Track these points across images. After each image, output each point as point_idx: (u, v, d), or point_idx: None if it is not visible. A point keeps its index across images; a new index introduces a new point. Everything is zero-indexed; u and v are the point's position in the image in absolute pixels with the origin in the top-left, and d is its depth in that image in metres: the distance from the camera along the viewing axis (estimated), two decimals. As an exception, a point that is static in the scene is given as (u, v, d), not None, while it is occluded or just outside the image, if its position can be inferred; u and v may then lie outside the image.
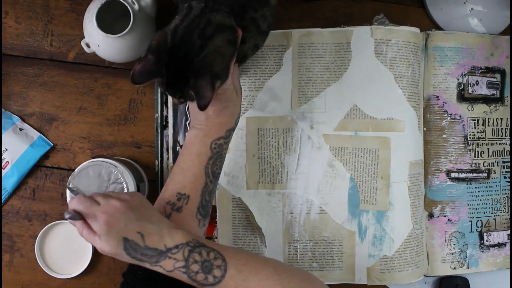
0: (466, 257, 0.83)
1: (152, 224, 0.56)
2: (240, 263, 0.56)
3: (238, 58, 0.63)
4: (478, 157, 0.84)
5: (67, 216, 0.55)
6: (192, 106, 0.63)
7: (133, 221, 0.55)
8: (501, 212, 0.85)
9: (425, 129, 0.83)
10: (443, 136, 0.83)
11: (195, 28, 0.55)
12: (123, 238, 0.54)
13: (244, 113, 0.80)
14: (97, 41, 0.73)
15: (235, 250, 0.59)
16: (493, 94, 0.84)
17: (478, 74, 0.83)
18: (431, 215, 0.83)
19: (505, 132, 0.85)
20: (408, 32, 0.79)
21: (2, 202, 0.82)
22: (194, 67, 0.55)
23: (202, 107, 0.55)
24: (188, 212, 0.62)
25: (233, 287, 0.55)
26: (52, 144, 0.83)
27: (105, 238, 0.54)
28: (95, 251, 0.82)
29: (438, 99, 0.83)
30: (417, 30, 0.80)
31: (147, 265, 0.55)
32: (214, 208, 0.82)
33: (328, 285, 0.79)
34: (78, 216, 0.55)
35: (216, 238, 0.82)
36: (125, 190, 0.74)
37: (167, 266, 0.55)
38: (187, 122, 0.82)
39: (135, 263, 0.56)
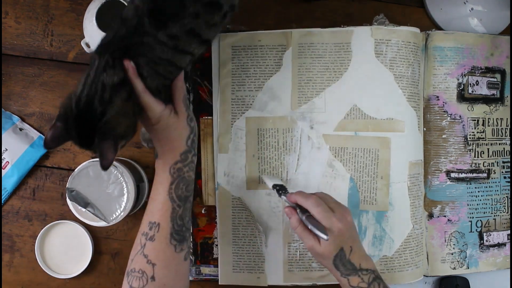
0: (466, 257, 0.84)
1: (359, 243, 0.66)
2: None
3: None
4: (478, 157, 0.84)
5: (303, 218, 0.65)
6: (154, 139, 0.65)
7: (351, 237, 0.64)
8: (501, 212, 0.85)
9: (425, 129, 0.83)
10: (443, 136, 0.83)
11: (94, 95, 0.56)
12: (340, 248, 0.63)
13: (244, 113, 0.80)
14: (97, 41, 0.72)
15: None
16: (493, 94, 0.84)
17: (478, 74, 0.83)
18: (431, 215, 0.83)
19: (505, 132, 0.85)
20: (408, 32, 0.79)
21: (2, 202, 0.82)
22: (99, 131, 0.57)
23: (104, 168, 0.57)
24: (161, 239, 0.63)
25: None
26: (52, 144, 0.83)
27: (329, 242, 0.63)
28: (95, 251, 0.83)
29: (438, 99, 0.83)
30: (417, 30, 0.80)
31: (338, 275, 0.64)
32: (214, 208, 0.82)
33: (328, 285, 0.80)
34: (300, 212, 0.66)
35: (216, 238, 0.82)
36: (125, 190, 0.74)
37: (353, 282, 0.64)
38: (187, 122, 0.82)
39: (330, 268, 0.65)
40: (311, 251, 0.66)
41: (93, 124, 0.56)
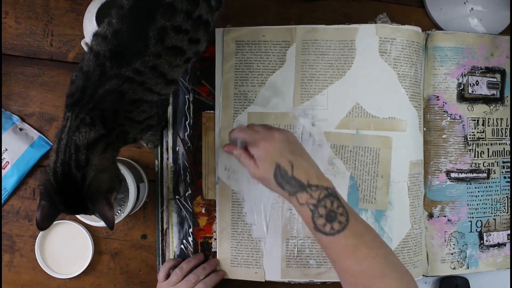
0: (466, 257, 0.84)
1: (302, 159, 0.63)
2: (359, 231, 0.59)
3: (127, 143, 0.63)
4: (478, 157, 0.84)
5: (230, 140, 0.66)
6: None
7: (287, 152, 0.62)
8: (501, 212, 0.85)
9: (425, 129, 0.83)
10: (443, 136, 0.83)
11: (69, 161, 0.56)
12: (276, 164, 0.61)
13: (246, 108, 0.80)
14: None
15: (360, 218, 0.61)
16: (493, 94, 0.84)
17: (478, 74, 0.83)
18: (431, 215, 0.83)
19: (505, 132, 0.85)
20: (412, 32, 0.79)
21: (2, 202, 0.82)
22: (87, 196, 0.57)
23: (111, 227, 0.58)
24: None
25: (342, 246, 0.59)
26: (52, 144, 0.83)
27: (261, 161, 0.62)
28: (95, 251, 0.83)
29: (438, 99, 0.83)
30: (419, 29, 0.80)
31: (287, 195, 0.61)
32: (214, 207, 0.82)
33: (325, 283, 0.80)
34: (239, 142, 0.66)
35: (215, 232, 0.82)
36: (125, 190, 0.74)
37: (301, 199, 0.60)
38: (187, 122, 0.82)
39: (277, 190, 0.62)
40: (254, 177, 0.64)
41: (77, 192, 0.56)
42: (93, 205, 0.58)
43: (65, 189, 0.57)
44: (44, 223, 0.60)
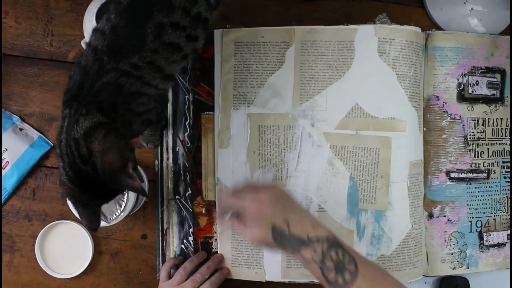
0: (466, 257, 0.84)
1: (295, 213, 0.61)
2: (370, 276, 0.58)
3: (135, 135, 0.64)
4: (478, 157, 0.84)
5: (223, 216, 0.65)
6: None
7: (279, 210, 0.61)
8: (500, 212, 0.85)
9: (425, 129, 0.83)
10: (443, 136, 0.83)
11: (75, 160, 0.56)
12: (271, 226, 0.60)
13: (245, 109, 0.80)
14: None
15: (367, 261, 0.60)
16: (493, 94, 0.84)
17: (478, 74, 0.83)
18: (430, 215, 0.83)
19: (505, 132, 0.85)
20: (411, 32, 0.79)
21: (2, 202, 0.82)
22: (107, 182, 0.57)
23: (144, 195, 0.60)
24: None
25: None
26: (52, 144, 0.83)
27: (255, 225, 0.61)
28: (95, 251, 0.83)
29: (438, 99, 0.83)
30: (418, 29, 0.80)
31: (290, 252, 0.60)
32: (214, 207, 0.82)
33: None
34: (229, 214, 0.65)
35: (215, 232, 0.82)
36: (125, 190, 0.74)
37: (306, 255, 0.59)
38: (187, 123, 0.82)
39: (280, 249, 0.62)
40: (253, 243, 0.63)
41: (97, 182, 0.57)
42: (118, 185, 0.58)
43: (86, 186, 0.57)
44: (94, 224, 0.61)
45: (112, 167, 0.57)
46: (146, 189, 0.82)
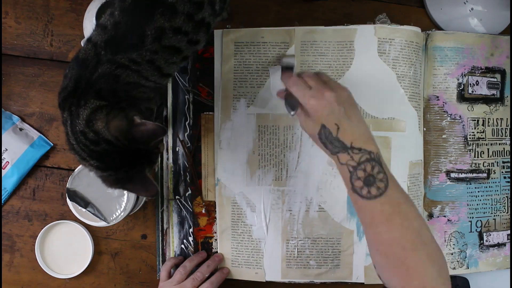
0: (466, 257, 0.84)
1: (351, 122, 0.61)
2: (396, 199, 0.59)
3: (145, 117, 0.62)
4: (478, 157, 0.84)
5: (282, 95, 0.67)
6: None
7: (335, 113, 0.60)
8: (500, 212, 0.85)
9: (425, 129, 0.83)
10: (443, 136, 0.83)
11: (90, 148, 0.55)
12: (321, 125, 0.60)
13: (246, 109, 0.80)
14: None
15: (400, 188, 0.60)
16: (493, 94, 0.84)
17: (478, 74, 0.83)
18: (430, 215, 0.83)
19: (505, 132, 0.85)
20: (411, 32, 0.79)
21: (2, 202, 0.82)
22: (128, 145, 0.56)
23: (162, 132, 0.57)
24: None
25: (377, 212, 0.58)
26: (52, 144, 0.83)
27: (307, 119, 0.62)
28: (95, 251, 0.83)
29: (438, 99, 0.83)
30: (418, 29, 0.80)
31: (328, 152, 0.61)
32: (213, 207, 0.82)
33: (325, 283, 0.80)
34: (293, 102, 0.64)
35: (215, 232, 0.82)
36: (125, 190, 0.74)
37: (342, 159, 0.60)
38: (187, 123, 0.82)
39: (321, 146, 0.62)
40: (303, 128, 0.64)
41: (120, 153, 0.56)
42: (139, 140, 0.56)
43: (116, 163, 0.57)
44: (152, 190, 0.61)
45: (121, 130, 0.56)
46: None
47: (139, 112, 0.59)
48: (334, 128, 0.60)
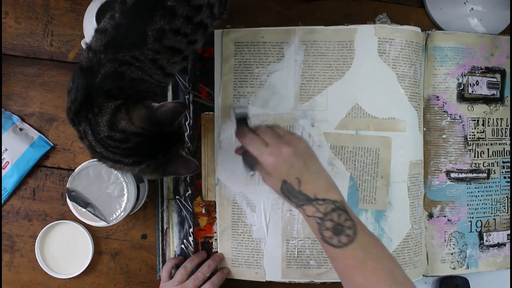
0: (466, 257, 0.84)
1: (311, 173, 0.61)
2: (367, 243, 0.59)
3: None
4: (478, 157, 0.84)
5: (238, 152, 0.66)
6: None
7: (295, 168, 0.60)
8: (501, 212, 0.85)
9: (425, 129, 0.83)
10: (443, 136, 0.83)
11: (121, 148, 0.56)
12: (283, 180, 0.60)
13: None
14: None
15: (368, 231, 0.61)
16: (493, 94, 0.84)
17: (478, 74, 0.83)
18: (430, 215, 0.83)
19: (505, 132, 0.85)
20: (411, 32, 0.79)
21: (2, 202, 0.82)
22: (154, 131, 0.57)
23: (183, 108, 0.59)
24: None
25: (349, 259, 0.58)
26: (52, 144, 0.83)
27: (268, 176, 0.62)
28: (95, 251, 0.83)
29: (438, 99, 0.83)
30: (418, 29, 0.80)
31: (294, 205, 0.61)
32: (214, 207, 0.82)
33: (325, 283, 0.80)
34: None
35: (215, 232, 0.82)
36: (125, 190, 0.74)
37: (308, 211, 0.60)
38: (187, 123, 0.82)
39: (286, 200, 0.62)
40: (265, 183, 0.64)
41: (150, 138, 0.57)
42: (163, 123, 0.57)
43: (151, 151, 0.57)
44: (192, 167, 0.62)
45: (144, 118, 0.56)
46: (146, 189, 0.82)
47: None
48: (295, 182, 0.60)
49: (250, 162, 0.63)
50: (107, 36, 0.56)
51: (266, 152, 0.61)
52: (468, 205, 0.84)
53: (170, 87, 0.82)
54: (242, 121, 0.66)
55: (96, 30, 0.58)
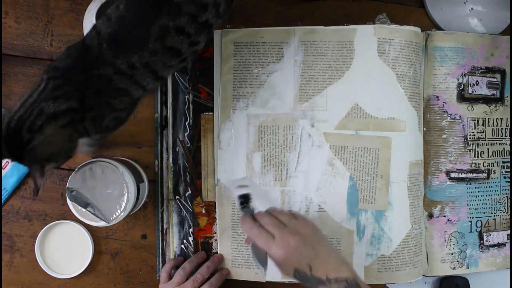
0: (466, 257, 0.84)
1: (321, 256, 0.62)
2: None
3: (100, 131, 0.63)
4: (478, 157, 0.84)
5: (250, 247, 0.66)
6: None
7: (305, 255, 0.62)
8: (500, 212, 0.85)
9: (425, 129, 0.83)
10: (443, 136, 0.83)
11: (25, 121, 0.56)
12: (294, 269, 0.62)
13: (245, 110, 0.80)
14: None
15: None
16: (493, 94, 0.84)
17: (478, 74, 0.83)
18: (430, 215, 0.83)
19: (505, 132, 0.85)
20: (410, 32, 0.79)
21: (2, 202, 0.82)
22: (26, 156, 0.57)
23: (35, 194, 0.61)
24: None
25: None
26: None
27: (279, 266, 0.63)
28: (95, 251, 0.83)
29: (438, 99, 0.83)
30: (418, 29, 0.80)
31: (308, 285, 0.62)
32: (213, 207, 0.82)
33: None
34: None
35: (215, 232, 0.82)
36: (125, 190, 0.74)
37: None
38: (186, 123, 0.82)
39: (299, 282, 0.63)
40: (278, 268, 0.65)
41: (19, 148, 0.57)
42: (28, 165, 0.59)
43: (11, 142, 0.57)
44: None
45: (39, 155, 0.57)
46: (146, 189, 0.82)
47: (96, 128, 0.60)
48: (307, 269, 0.61)
49: (260, 256, 0.64)
50: (111, 27, 0.56)
51: (274, 246, 0.62)
52: (468, 205, 0.84)
53: (170, 86, 0.82)
54: (244, 203, 0.69)
55: (104, 14, 0.58)
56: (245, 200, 0.69)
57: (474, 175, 0.83)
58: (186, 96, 0.82)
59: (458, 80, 0.83)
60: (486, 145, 0.84)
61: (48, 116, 0.56)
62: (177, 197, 0.83)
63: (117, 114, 0.62)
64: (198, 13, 0.57)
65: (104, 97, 0.58)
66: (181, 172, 0.83)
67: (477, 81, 0.83)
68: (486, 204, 0.84)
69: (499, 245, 0.85)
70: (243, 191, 0.69)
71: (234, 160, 0.81)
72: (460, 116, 0.83)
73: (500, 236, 0.85)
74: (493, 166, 0.84)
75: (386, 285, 0.84)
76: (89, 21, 0.74)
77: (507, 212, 0.85)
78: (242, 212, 0.68)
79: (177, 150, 0.83)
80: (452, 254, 0.83)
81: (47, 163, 0.59)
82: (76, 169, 0.75)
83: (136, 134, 0.84)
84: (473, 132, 0.83)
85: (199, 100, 0.82)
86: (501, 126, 0.85)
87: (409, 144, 0.80)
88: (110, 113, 0.60)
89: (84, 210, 0.74)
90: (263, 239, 0.63)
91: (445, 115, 0.83)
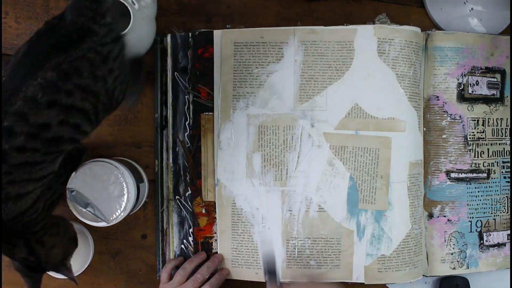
0: (466, 257, 0.84)
1: None
2: None
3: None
4: (478, 157, 0.84)
5: None
6: None
7: None
8: (500, 212, 0.85)
9: (425, 129, 0.83)
10: (443, 136, 0.83)
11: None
12: None
13: (245, 110, 0.80)
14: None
15: None
16: (493, 94, 0.84)
17: (478, 74, 0.83)
18: (430, 215, 0.83)
19: (505, 132, 0.85)
20: (410, 32, 0.79)
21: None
22: (48, 269, 0.66)
23: (75, 283, 0.69)
24: None
25: None
26: (52, 144, 0.83)
27: None
28: (95, 251, 0.83)
29: (438, 99, 0.83)
30: (418, 29, 0.80)
31: None
32: (213, 208, 0.82)
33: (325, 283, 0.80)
34: None
35: (215, 232, 0.82)
36: (125, 190, 0.74)
37: None
38: (186, 123, 0.82)
39: None
40: None
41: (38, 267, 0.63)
42: (56, 271, 0.65)
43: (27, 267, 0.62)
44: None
45: (54, 260, 0.64)
46: (146, 189, 0.82)
47: None
48: None
49: None
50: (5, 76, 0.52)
51: None
52: (468, 205, 0.84)
53: (170, 86, 0.82)
54: (271, 274, 0.73)
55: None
56: (271, 271, 0.75)
57: (474, 175, 0.84)
58: (186, 96, 0.82)
59: (458, 80, 0.83)
60: (486, 145, 0.84)
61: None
62: (177, 197, 0.83)
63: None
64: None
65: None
66: (181, 172, 0.83)
67: (477, 81, 0.83)
68: (486, 204, 0.84)
69: (499, 245, 0.85)
70: (271, 264, 0.76)
71: (234, 160, 0.81)
72: (460, 116, 0.83)
73: (500, 236, 0.85)
74: (493, 166, 0.84)
75: (386, 285, 0.84)
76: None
77: (507, 212, 0.85)
78: (267, 280, 0.73)
79: (177, 150, 0.83)
80: (452, 254, 0.83)
81: (65, 260, 0.64)
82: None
83: (136, 134, 0.84)
84: (473, 132, 0.83)
85: (199, 100, 0.82)
86: (501, 126, 0.85)
87: (409, 144, 0.80)
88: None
89: (84, 210, 0.74)
90: None
91: (445, 115, 0.83)
